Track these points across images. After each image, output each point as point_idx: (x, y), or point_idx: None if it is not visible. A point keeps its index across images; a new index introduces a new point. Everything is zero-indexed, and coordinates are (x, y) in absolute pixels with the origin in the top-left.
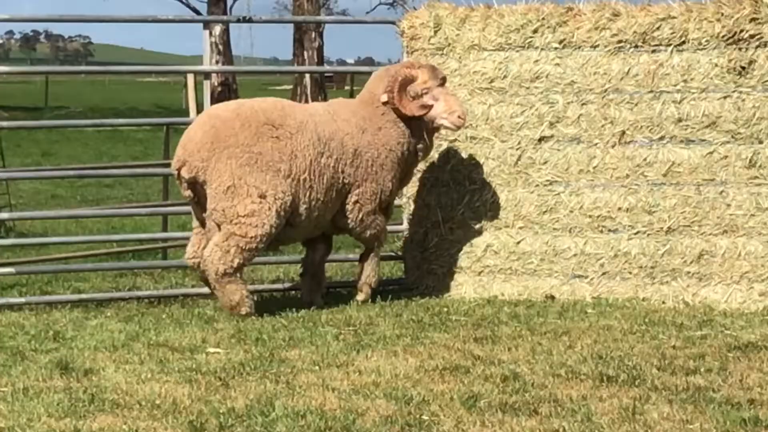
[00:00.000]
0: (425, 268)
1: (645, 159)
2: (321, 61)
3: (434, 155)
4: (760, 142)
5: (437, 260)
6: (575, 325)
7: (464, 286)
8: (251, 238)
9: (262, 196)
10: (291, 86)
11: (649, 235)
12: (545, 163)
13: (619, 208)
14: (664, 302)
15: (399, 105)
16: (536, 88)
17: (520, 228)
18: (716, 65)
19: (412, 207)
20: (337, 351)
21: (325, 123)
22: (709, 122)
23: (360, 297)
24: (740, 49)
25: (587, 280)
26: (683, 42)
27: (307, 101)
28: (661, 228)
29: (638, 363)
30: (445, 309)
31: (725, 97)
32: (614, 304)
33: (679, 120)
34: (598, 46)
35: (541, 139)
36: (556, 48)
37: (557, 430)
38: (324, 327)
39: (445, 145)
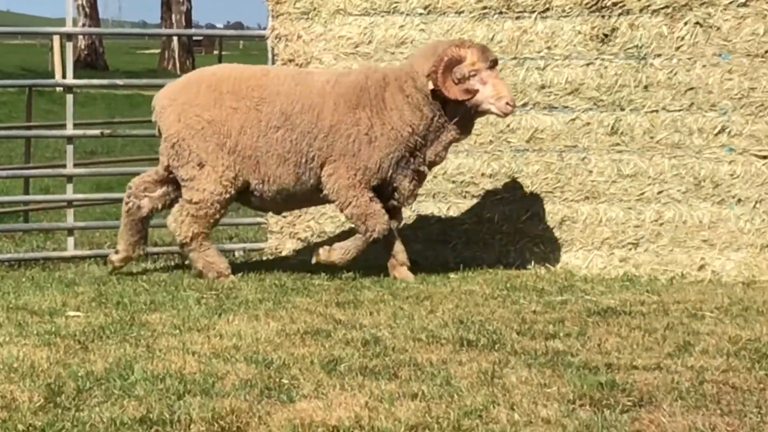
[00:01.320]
0: (288, 233)
1: (508, 125)
2: (189, 24)
3: None
4: (622, 110)
5: (301, 224)
6: (437, 290)
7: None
8: (196, 203)
9: (201, 165)
10: (159, 50)
11: (512, 201)
12: None
13: (483, 174)
14: (526, 267)
15: (442, 87)
16: (401, 53)
17: None
18: (579, 32)
19: None
20: (198, 315)
21: (299, 96)
22: (572, 89)
23: (315, 257)
24: (603, 16)
25: (450, 246)
26: (547, 9)
27: (174, 65)
28: (524, 194)
29: (498, 327)
30: (308, 273)
31: (588, 65)
32: (477, 269)
33: (542, 87)
34: (463, 12)
35: None
36: (421, 13)
37: (416, 394)
38: (186, 291)
39: None
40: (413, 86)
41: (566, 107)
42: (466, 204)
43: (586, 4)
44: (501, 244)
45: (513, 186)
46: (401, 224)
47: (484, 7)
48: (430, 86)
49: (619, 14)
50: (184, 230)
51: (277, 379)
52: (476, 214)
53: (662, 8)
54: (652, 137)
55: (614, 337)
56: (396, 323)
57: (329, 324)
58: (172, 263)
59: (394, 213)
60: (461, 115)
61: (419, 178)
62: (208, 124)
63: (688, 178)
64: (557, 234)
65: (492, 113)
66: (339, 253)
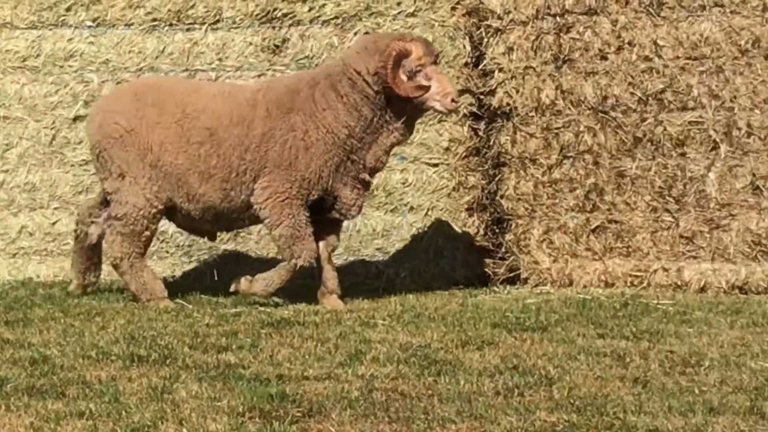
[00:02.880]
0: None
1: None
2: None
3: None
4: None
5: None
6: (110, 305)
7: None
8: (121, 219)
9: (122, 176)
10: None
11: None
12: (80, 142)
13: None
14: (200, 280)
15: (393, 84)
16: (70, 66)
17: (56, 209)
18: (251, 44)
19: None
20: None
21: (228, 110)
22: None
23: (235, 286)
24: (274, 27)
25: None
26: (218, 21)
27: None
28: None
29: (170, 342)
30: None
31: (260, 76)
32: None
33: None
34: (132, 24)
35: (76, 119)
36: (90, 26)
37: (84, 412)
38: None
39: None
40: (350, 86)
41: None
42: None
43: (257, 15)
44: (175, 257)
45: None
46: (336, 247)
47: (154, 20)
48: (375, 85)
49: (290, 25)
50: (115, 250)
51: None
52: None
53: (332, 19)
54: None
55: (287, 348)
56: (66, 341)
57: None
58: None
59: (331, 231)
60: (408, 114)
61: (362, 186)
62: (127, 133)
63: None
64: (233, 246)
65: (437, 110)
66: (261, 284)
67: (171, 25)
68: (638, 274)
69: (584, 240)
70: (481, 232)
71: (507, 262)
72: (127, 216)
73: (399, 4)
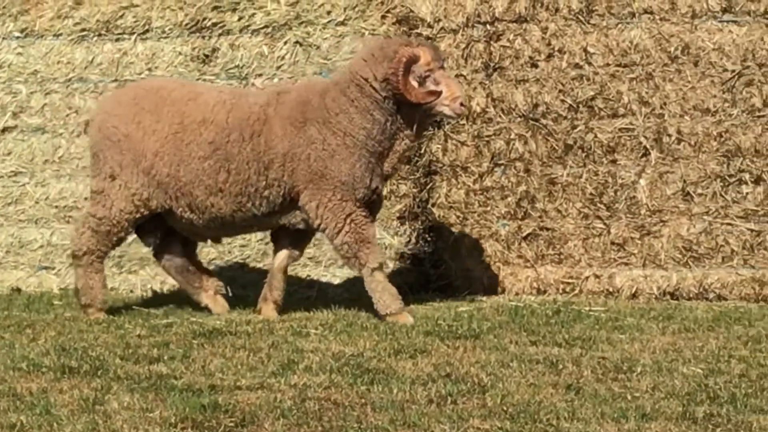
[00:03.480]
0: None
1: None
2: None
3: None
4: None
5: None
6: (40, 317)
7: None
8: (100, 219)
9: (112, 177)
10: None
11: None
12: (9, 154)
13: (86, 198)
14: (132, 291)
15: (404, 91)
16: None
17: None
18: (180, 53)
19: None
20: None
21: (234, 124)
22: None
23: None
24: (204, 37)
25: (54, 272)
26: (147, 30)
27: None
28: None
29: (102, 353)
30: None
31: None
32: None
33: None
34: (61, 34)
35: (4, 130)
36: (18, 37)
37: (15, 424)
38: None
39: None
40: (358, 92)
41: None
42: (70, 229)
43: (186, 25)
44: (107, 268)
45: None
46: (297, 259)
47: (83, 30)
48: (384, 91)
49: (220, 35)
50: (82, 242)
51: None
52: None
53: (262, 28)
54: None
55: (219, 358)
56: None
57: None
58: None
59: (299, 242)
60: (417, 120)
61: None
62: (124, 137)
63: None
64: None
65: (446, 116)
66: (386, 308)
67: (100, 35)
68: (570, 281)
69: (516, 247)
70: (413, 240)
71: (439, 270)
72: (109, 218)
73: (329, 12)
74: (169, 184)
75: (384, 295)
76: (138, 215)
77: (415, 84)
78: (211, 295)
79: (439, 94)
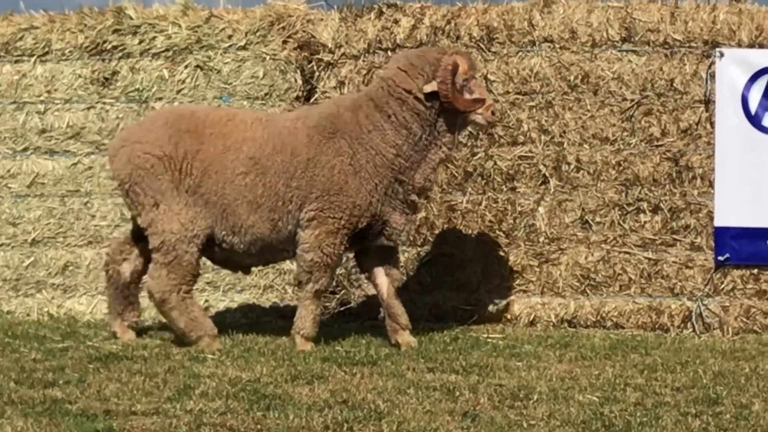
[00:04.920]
0: None
1: (9, 170)
2: None
3: None
4: None
5: None
6: None
7: None
8: (160, 249)
9: (156, 205)
10: None
11: (13, 247)
12: None
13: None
14: (28, 315)
15: (453, 99)
16: None
17: None
18: (80, 76)
19: None
20: None
21: (268, 138)
22: (74, 133)
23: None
24: (104, 60)
25: None
26: (47, 53)
27: None
28: (26, 240)
29: None
30: None
31: (89, 108)
32: None
33: (43, 131)
34: None
35: None
36: None
37: None
38: None
39: None
40: (398, 105)
41: (68, 151)
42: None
43: (86, 47)
44: (2, 291)
45: (14, 232)
46: (401, 282)
47: None
48: (428, 89)
49: (120, 57)
50: (162, 284)
51: None
52: None
53: (163, 51)
54: None
55: (114, 383)
56: None
57: None
58: None
59: (391, 265)
60: (455, 128)
61: (410, 209)
62: (158, 161)
63: None
64: (60, 280)
65: (478, 124)
66: (304, 330)
67: None
68: (468, 307)
69: (415, 274)
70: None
71: (338, 296)
72: (165, 243)
73: (230, 37)
74: (216, 203)
75: (309, 317)
76: (189, 234)
77: (458, 93)
78: (124, 325)
79: (482, 101)
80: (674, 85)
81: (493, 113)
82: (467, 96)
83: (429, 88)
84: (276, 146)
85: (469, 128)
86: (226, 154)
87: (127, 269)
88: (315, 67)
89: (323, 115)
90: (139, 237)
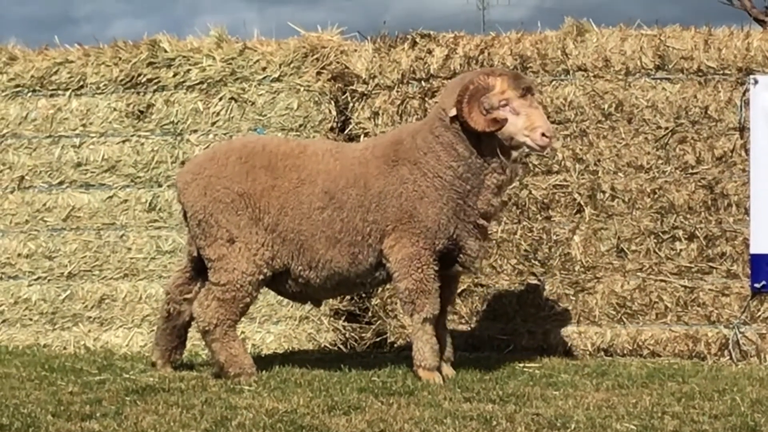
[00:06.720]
0: None
1: (44, 204)
2: None
3: None
4: (159, 186)
5: None
6: None
7: None
8: (224, 285)
9: (231, 241)
10: None
11: (49, 280)
12: None
13: (19, 254)
14: (65, 348)
15: (467, 118)
16: None
17: None
18: (115, 109)
19: None
20: None
21: (341, 170)
22: (109, 166)
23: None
24: (138, 93)
25: None
26: (82, 86)
27: None
28: (62, 273)
29: (33, 410)
30: None
31: (124, 141)
32: (14, 351)
33: (79, 164)
34: None
35: None
36: None
37: None
38: None
39: None
40: (442, 126)
41: (103, 184)
42: (3, 285)
43: (121, 81)
44: (39, 325)
45: (50, 265)
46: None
47: (17, 86)
48: (452, 113)
49: (155, 90)
50: (209, 315)
51: None
52: (13, 295)
53: (197, 84)
54: None
55: (152, 415)
56: None
57: None
58: None
59: (448, 295)
60: (500, 152)
61: (481, 235)
62: (239, 197)
63: None
64: (96, 313)
65: (528, 146)
66: (424, 362)
67: (34, 91)
68: (504, 337)
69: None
70: (347, 296)
71: (374, 327)
72: (233, 283)
73: (264, 69)
74: (293, 240)
75: (426, 347)
76: (261, 276)
77: (481, 113)
78: (166, 358)
79: (503, 122)
80: (708, 112)
81: (544, 135)
82: (490, 116)
83: (452, 111)
84: (349, 179)
85: (522, 153)
86: (300, 188)
87: (187, 309)
88: (349, 98)
89: (387, 143)
90: (197, 269)
